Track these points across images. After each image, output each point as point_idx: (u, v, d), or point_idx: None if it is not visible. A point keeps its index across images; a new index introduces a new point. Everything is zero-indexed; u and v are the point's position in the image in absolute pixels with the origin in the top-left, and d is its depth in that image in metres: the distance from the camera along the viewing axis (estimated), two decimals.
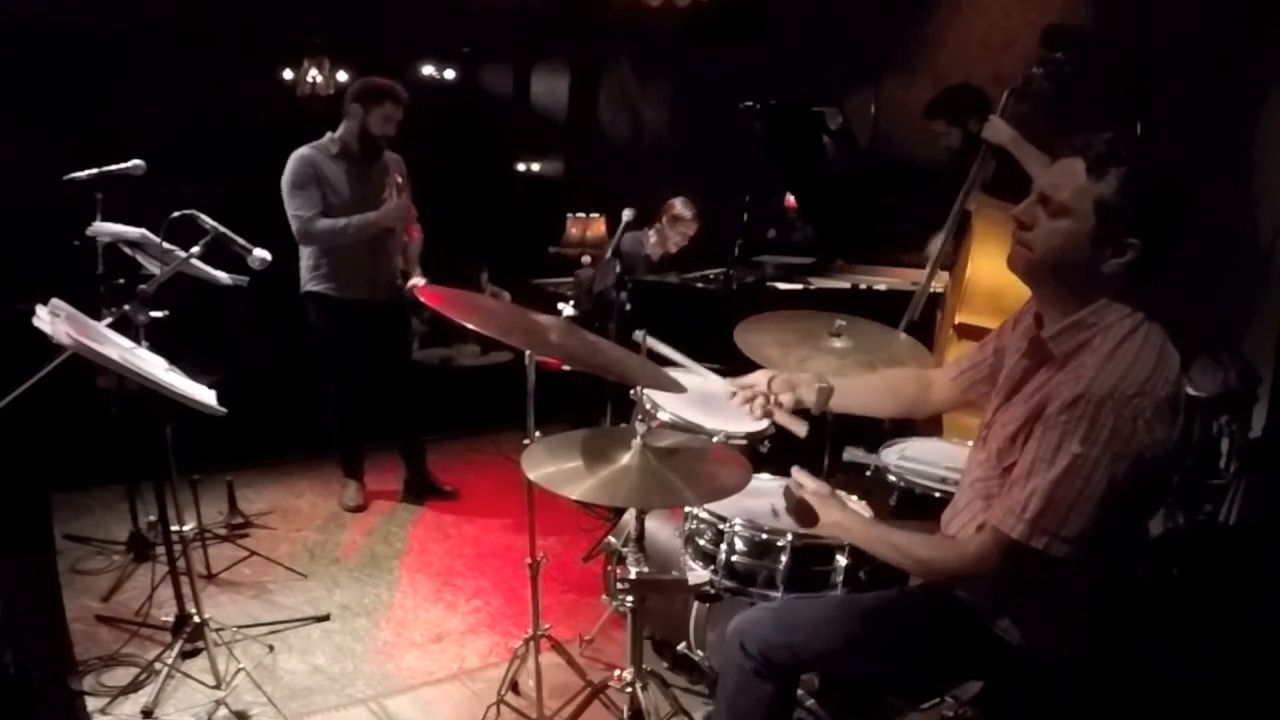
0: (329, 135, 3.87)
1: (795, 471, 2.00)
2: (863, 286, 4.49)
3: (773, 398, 2.12)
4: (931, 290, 3.53)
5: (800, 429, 2.14)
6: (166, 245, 2.86)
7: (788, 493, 2.00)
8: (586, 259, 5.86)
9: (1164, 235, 1.63)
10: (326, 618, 3.26)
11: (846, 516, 1.90)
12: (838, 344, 2.63)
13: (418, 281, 3.97)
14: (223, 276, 3.12)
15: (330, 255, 3.88)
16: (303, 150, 3.81)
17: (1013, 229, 1.75)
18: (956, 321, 3.26)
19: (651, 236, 5.18)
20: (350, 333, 3.95)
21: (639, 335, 2.15)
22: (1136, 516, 1.74)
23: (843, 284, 4.57)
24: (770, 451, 2.62)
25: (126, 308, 2.60)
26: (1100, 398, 1.57)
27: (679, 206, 5.12)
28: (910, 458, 2.56)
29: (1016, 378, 1.80)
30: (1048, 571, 1.63)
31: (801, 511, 1.96)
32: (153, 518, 3.39)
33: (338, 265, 3.89)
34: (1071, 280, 1.69)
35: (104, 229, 3.15)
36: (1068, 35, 3.18)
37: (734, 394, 2.17)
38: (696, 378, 2.41)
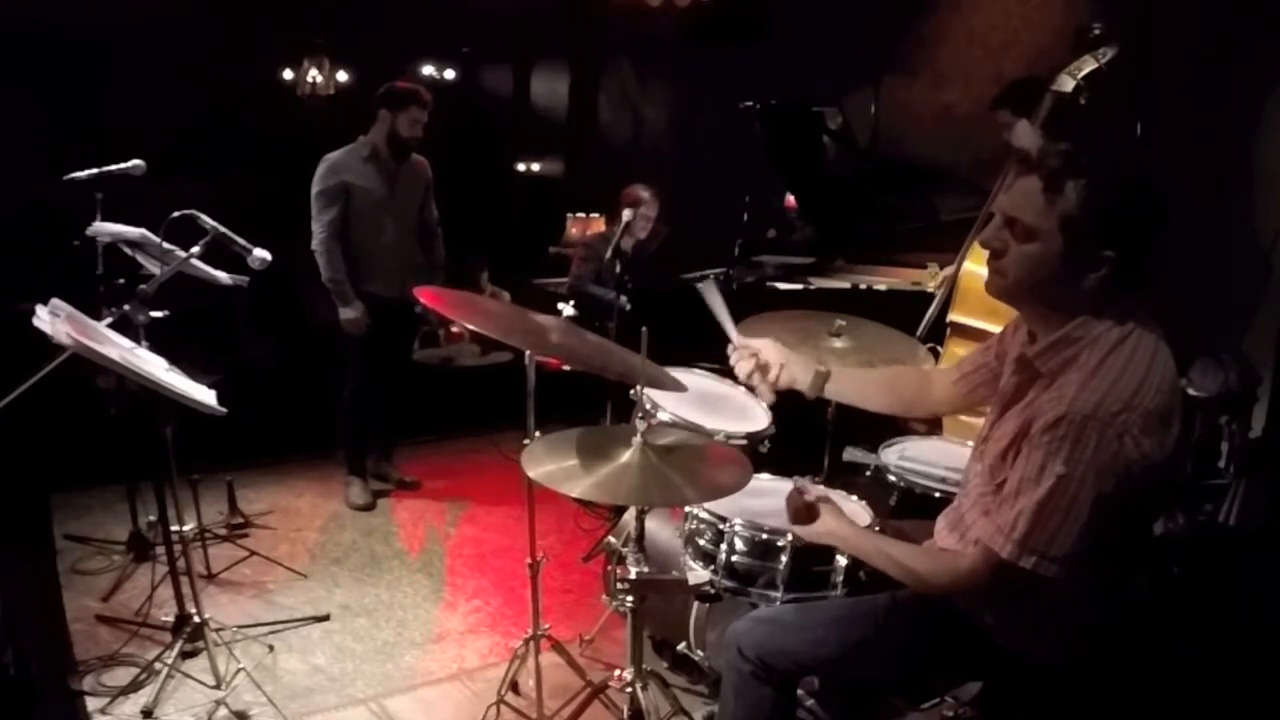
0: (360, 138, 3.98)
1: (797, 480, 2.00)
2: (863, 286, 4.50)
3: (772, 370, 2.08)
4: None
5: (768, 397, 2.12)
6: (166, 245, 2.86)
7: (789, 497, 2.00)
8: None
9: (1137, 242, 1.61)
10: (326, 618, 3.26)
11: (842, 525, 1.91)
12: (838, 344, 2.64)
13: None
14: (223, 276, 3.12)
15: (370, 253, 3.99)
16: (333, 154, 3.94)
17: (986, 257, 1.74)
18: (949, 319, 3.26)
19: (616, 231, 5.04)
20: (382, 330, 4.05)
21: (708, 281, 2.10)
22: (1134, 525, 1.72)
23: (843, 284, 4.58)
24: (770, 451, 2.62)
25: (126, 308, 2.60)
26: (1083, 417, 1.55)
27: (638, 190, 4.76)
28: (910, 458, 2.56)
29: (1009, 393, 1.79)
30: (1039, 587, 1.63)
31: (799, 515, 1.96)
32: (153, 518, 3.39)
33: (378, 263, 4.01)
34: (1051, 299, 1.67)
35: (104, 229, 3.15)
36: (1109, 36, 3.04)
37: (733, 348, 2.12)
38: (699, 378, 2.41)
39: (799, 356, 2.14)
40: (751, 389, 2.14)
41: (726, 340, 2.13)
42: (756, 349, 2.10)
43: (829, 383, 2.10)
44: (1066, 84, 3.06)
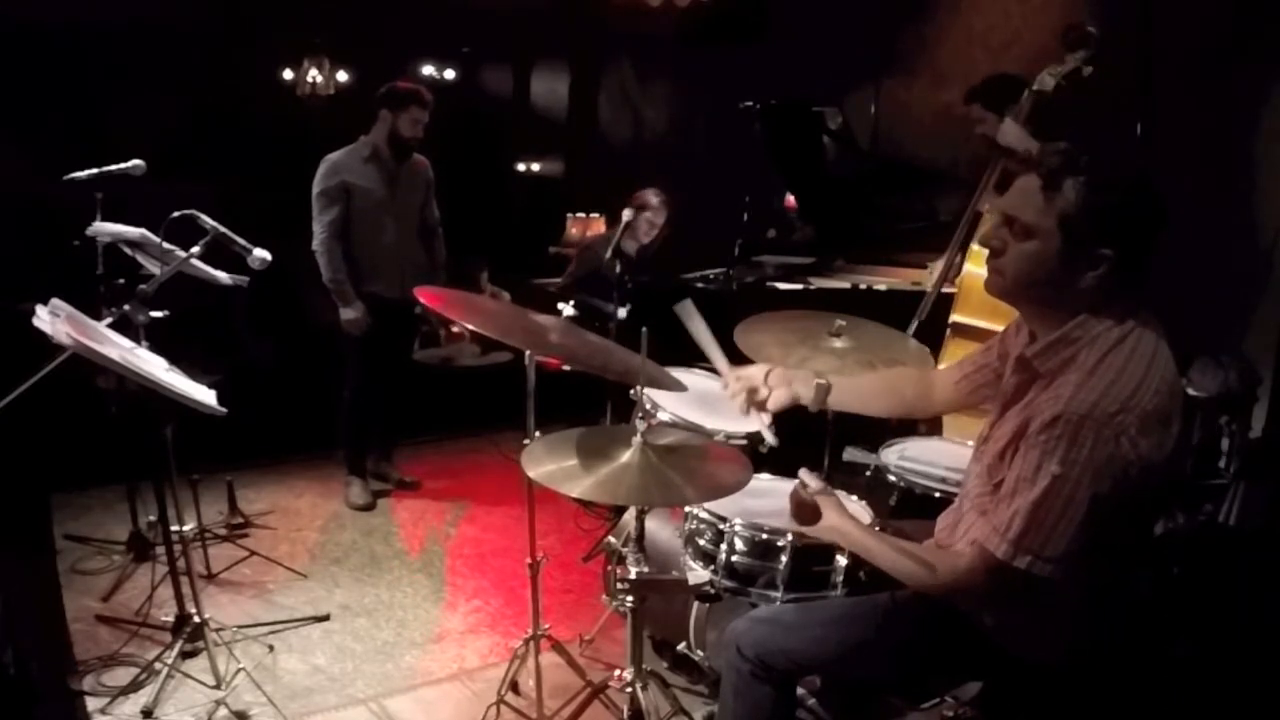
0: (361, 138, 3.98)
1: (802, 473, 2.00)
2: (863, 286, 4.49)
3: (764, 391, 2.09)
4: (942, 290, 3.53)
5: (771, 439, 2.15)
6: (166, 245, 2.86)
7: (793, 494, 2.00)
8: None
9: (1136, 241, 1.61)
10: (326, 618, 3.26)
11: (845, 522, 1.90)
12: (838, 344, 2.63)
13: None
14: (223, 276, 3.12)
15: (370, 253, 3.99)
16: (333, 155, 3.94)
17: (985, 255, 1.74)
18: (951, 320, 3.26)
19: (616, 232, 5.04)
20: (382, 330, 4.06)
21: (685, 304, 2.11)
22: (1133, 526, 1.72)
23: (843, 284, 4.57)
24: (770, 451, 2.62)
25: (126, 308, 2.60)
26: (1079, 417, 1.55)
27: (647, 195, 4.74)
28: (910, 458, 2.56)
29: (1009, 393, 1.79)
30: (1037, 587, 1.62)
31: (802, 512, 1.95)
32: (153, 518, 3.39)
33: (379, 263, 4.01)
34: (1050, 298, 1.67)
35: (104, 229, 3.15)
36: (1088, 35, 3.09)
37: (727, 384, 2.14)
38: (699, 378, 2.40)
39: (798, 372, 2.15)
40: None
41: (716, 352, 2.13)
42: (750, 378, 2.10)
43: (831, 394, 2.10)
44: (1047, 83, 3.11)
